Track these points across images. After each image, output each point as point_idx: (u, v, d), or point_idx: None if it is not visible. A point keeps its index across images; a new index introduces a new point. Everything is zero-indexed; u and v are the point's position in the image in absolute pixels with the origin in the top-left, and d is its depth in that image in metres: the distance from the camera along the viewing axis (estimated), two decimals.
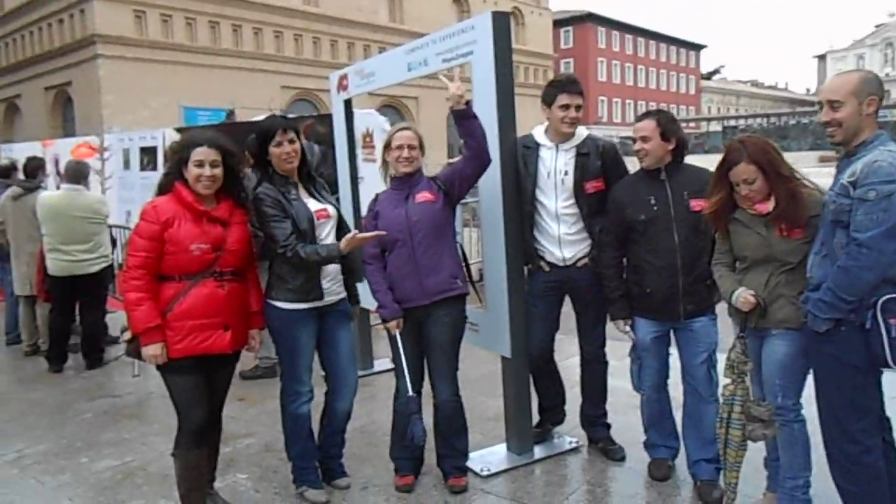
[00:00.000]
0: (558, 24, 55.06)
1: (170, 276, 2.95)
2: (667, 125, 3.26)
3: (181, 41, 29.40)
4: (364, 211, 5.55)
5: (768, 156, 2.81)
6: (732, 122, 48.57)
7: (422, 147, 3.44)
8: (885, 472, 2.60)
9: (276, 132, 3.22)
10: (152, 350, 2.91)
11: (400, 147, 3.35)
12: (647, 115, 3.34)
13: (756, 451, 3.11)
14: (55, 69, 29.78)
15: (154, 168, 9.75)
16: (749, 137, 2.98)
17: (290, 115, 3.36)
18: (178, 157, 3.01)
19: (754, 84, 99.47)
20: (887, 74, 71.10)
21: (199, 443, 3.08)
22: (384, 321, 3.36)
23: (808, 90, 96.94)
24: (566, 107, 3.52)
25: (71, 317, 6.15)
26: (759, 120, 45.98)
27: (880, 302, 2.42)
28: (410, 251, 3.31)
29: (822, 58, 79.74)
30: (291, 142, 3.25)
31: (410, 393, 3.35)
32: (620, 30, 63.10)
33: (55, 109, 31.08)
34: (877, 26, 76.72)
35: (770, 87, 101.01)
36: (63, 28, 28.96)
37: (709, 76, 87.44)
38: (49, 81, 30.51)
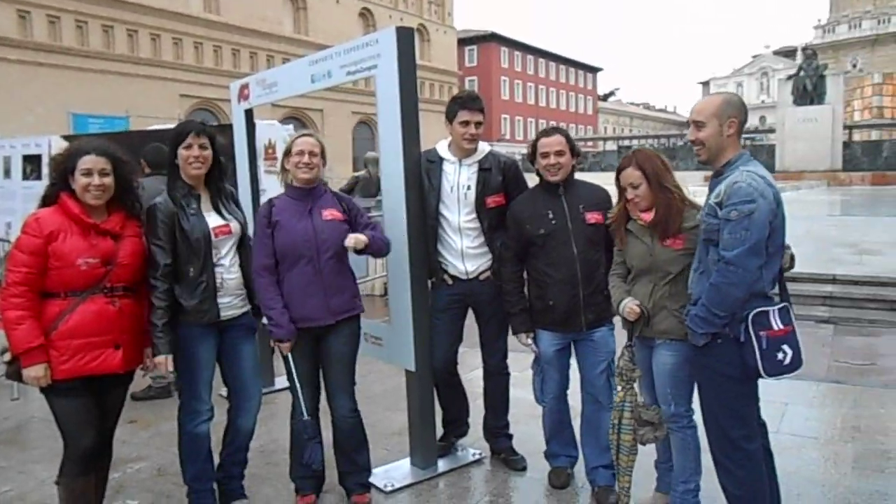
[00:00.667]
0: (463, 42, 56.10)
1: (54, 293, 2.78)
2: (572, 140, 3.42)
3: (71, 44, 27.88)
4: None
5: (654, 165, 3.00)
6: (626, 142, 50.83)
7: (323, 155, 3.34)
8: (765, 475, 2.77)
9: (188, 133, 3.11)
10: (34, 372, 2.72)
11: (300, 153, 3.26)
12: (555, 130, 3.45)
13: (646, 455, 3.25)
14: None
15: (38, 177, 9.14)
16: (641, 149, 3.21)
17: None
18: (64, 166, 2.84)
19: (646, 107, 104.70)
20: (763, 101, 76.56)
21: (87, 469, 2.89)
22: (278, 341, 3.24)
23: None
24: (466, 123, 3.57)
25: None
26: (650, 140, 48.40)
27: (751, 316, 2.58)
28: (317, 269, 3.22)
29: (706, 84, 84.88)
30: (203, 147, 3.14)
31: (306, 417, 3.29)
32: (523, 51, 65.02)
33: None
34: (753, 56, 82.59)
35: (661, 110, 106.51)
36: None
37: (605, 98, 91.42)
38: None
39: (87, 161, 2.82)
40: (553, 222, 3.34)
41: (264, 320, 3.35)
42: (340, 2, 40.23)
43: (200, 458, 3.28)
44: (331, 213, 3.29)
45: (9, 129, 21.46)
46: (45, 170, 8.89)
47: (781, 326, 2.59)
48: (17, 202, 9.56)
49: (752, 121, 70.80)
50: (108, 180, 2.86)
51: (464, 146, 3.62)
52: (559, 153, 3.34)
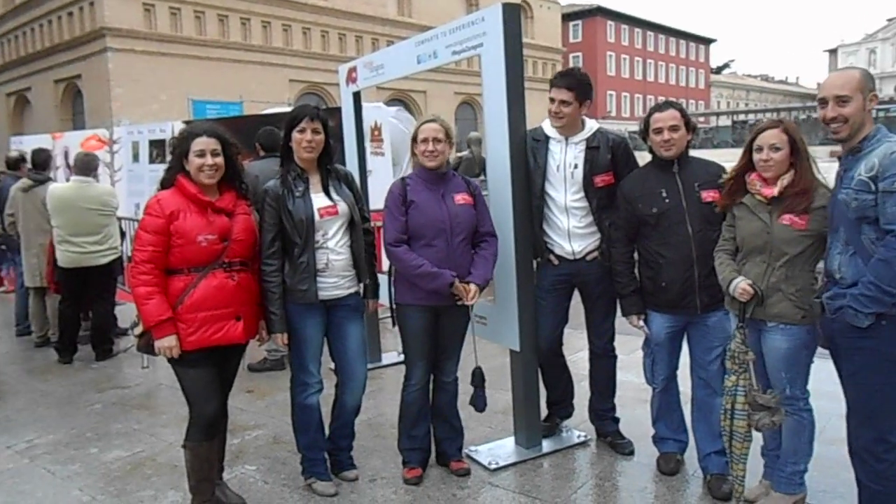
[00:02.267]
0: (567, 17, 54.77)
1: (178, 269, 2.95)
2: (687, 115, 3.28)
3: (190, 34, 29.37)
4: (374, 203, 5.58)
5: (800, 136, 2.87)
6: (742, 117, 48.21)
7: (450, 138, 3.38)
8: None
9: (303, 118, 3.23)
10: (167, 342, 2.90)
11: (425, 140, 3.33)
12: (669, 105, 3.32)
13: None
14: (65, 62, 29.81)
15: (163, 161, 9.74)
16: (787, 119, 3.10)
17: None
18: (179, 149, 3.02)
19: (765, 78, 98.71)
20: None
21: (211, 435, 3.09)
22: (450, 286, 3.24)
23: (819, 85, 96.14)
24: (552, 101, 3.51)
25: (80, 308, 6.18)
26: (769, 115, 45.66)
27: None
28: (449, 247, 3.30)
29: (833, 52, 79.07)
30: (315, 132, 3.25)
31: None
32: (629, 23, 62.75)
33: (65, 102, 31.14)
34: (889, 20, 75.94)
35: (780, 82, 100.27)
36: (73, 21, 28.98)
37: (718, 70, 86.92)
38: (58, 74, 30.55)
39: (199, 143, 2.98)
40: (667, 200, 3.22)
41: (381, 300, 3.42)
42: None
43: (311, 428, 3.42)
44: (462, 198, 3.37)
45: (136, 116, 23.07)
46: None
47: None
48: (144, 184, 10.27)
49: (888, 90, 65.43)
50: (220, 160, 3.01)
51: (553, 124, 3.56)
52: (673, 128, 3.21)
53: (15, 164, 7.40)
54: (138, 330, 3.03)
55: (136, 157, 10.96)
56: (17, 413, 4.71)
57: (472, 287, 3.29)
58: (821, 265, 2.84)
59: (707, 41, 75.13)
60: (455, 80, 38.00)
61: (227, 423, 3.37)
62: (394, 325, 3.51)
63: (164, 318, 2.89)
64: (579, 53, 56.74)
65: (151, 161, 10.48)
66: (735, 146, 32.66)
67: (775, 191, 2.85)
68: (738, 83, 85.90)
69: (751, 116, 46.40)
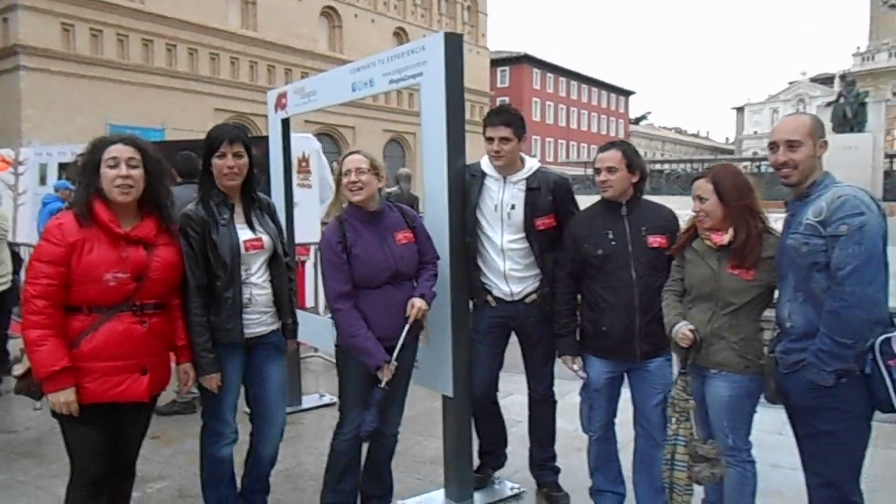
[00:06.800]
0: (496, 63, 56.26)
1: (77, 308, 2.51)
2: (632, 157, 3.16)
3: (111, 57, 28.41)
4: (300, 237, 5.27)
5: (735, 182, 2.78)
6: (658, 166, 50.22)
7: (376, 171, 3.13)
8: None
9: (222, 142, 2.92)
10: (63, 397, 2.45)
11: (348, 172, 3.08)
12: (612, 145, 3.23)
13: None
14: None
15: (73, 184, 9.20)
16: (726, 163, 3.02)
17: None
18: (90, 158, 2.57)
19: (678, 131, 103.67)
20: None
21: (97, 494, 2.63)
22: (377, 368, 2.98)
23: (727, 139, 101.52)
24: (490, 139, 3.37)
25: None
26: (682, 165, 47.71)
27: (877, 344, 2.34)
28: (396, 291, 3.08)
29: (740, 110, 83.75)
30: (237, 156, 2.94)
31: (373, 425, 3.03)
32: (555, 72, 64.93)
33: None
34: (790, 83, 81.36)
35: (693, 135, 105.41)
36: None
37: (637, 121, 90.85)
38: None
39: (112, 150, 2.56)
40: (612, 243, 3.11)
41: (301, 338, 3.14)
42: (375, 21, 40.61)
43: (223, 483, 3.10)
44: (404, 236, 3.15)
45: (48, 138, 21.93)
46: None
47: None
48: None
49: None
50: (137, 172, 2.58)
51: (493, 163, 3.42)
52: (610, 170, 3.12)
53: None
54: (19, 369, 2.58)
55: (42, 181, 10.34)
56: None
57: (417, 301, 3.06)
58: (769, 313, 2.78)
59: (627, 93, 78.57)
60: (384, 118, 38.19)
61: (133, 483, 2.93)
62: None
63: (59, 368, 2.44)
64: (506, 98, 58.15)
65: None
66: (651, 193, 33.80)
67: (725, 238, 2.77)
68: (654, 134, 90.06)
69: (666, 166, 48.35)
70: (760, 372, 2.75)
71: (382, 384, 2.99)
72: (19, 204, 10.34)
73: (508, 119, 3.37)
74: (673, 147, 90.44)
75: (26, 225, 9.92)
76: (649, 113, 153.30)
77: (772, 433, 3.96)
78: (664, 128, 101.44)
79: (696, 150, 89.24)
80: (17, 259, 6.00)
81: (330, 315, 3.25)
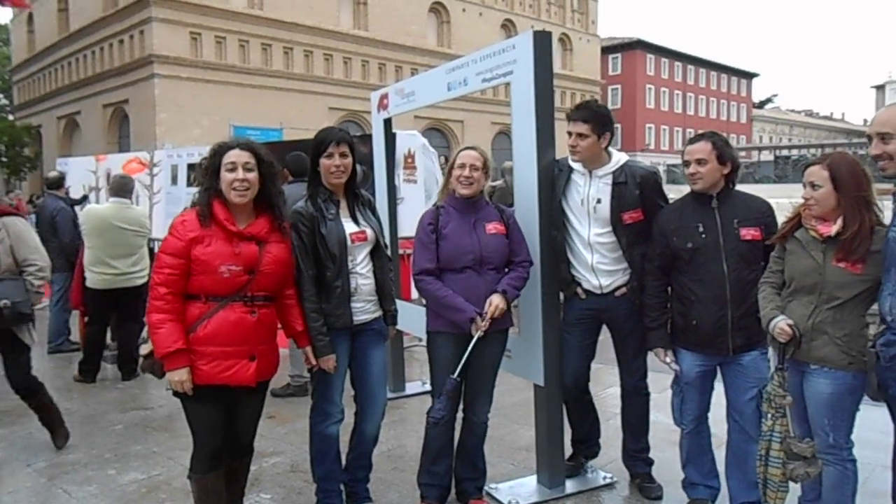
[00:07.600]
0: (607, 50, 54.81)
1: (195, 296, 2.76)
2: (722, 148, 3.12)
3: (234, 62, 30.09)
4: (404, 231, 5.50)
5: (851, 171, 2.67)
6: (785, 152, 47.33)
7: (486, 168, 3.30)
8: None
9: (329, 143, 3.15)
10: (178, 376, 2.70)
11: (462, 166, 3.26)
12: (702, 137, 3.20)
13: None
14: (113, 87, 30.74)
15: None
16: (841, 152, 2.90)
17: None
18: (211, 162, 2.83)
19: (809, 114, 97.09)
20: None
21: (215, 465, 2.93)
22: (471, 321, 3.14)
23: (865, 121, 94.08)
24: (569, 134, 3.41)
25: (106, 329, 6.22)
26: (812, 150, 44.66)
27: None
28: (479, 277, 3.21)
29: (880, 88, 77.59)
30: (343, 156, 3.17)
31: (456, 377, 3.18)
32: (670, 57, 62.49)
33: (112, 126, 32.06)
34: None
35: (825, 118, 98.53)
36: (123, 48, 29.93)
37: (761, 105, 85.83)
38: (107, 99, 31.51)
39: (231, 155, 2.79)
40: (703, 236, 3.08)
41: (400, 326, 3.31)
42: (483, 14, 40.64)
43: (329, 458, 3.33)
44: (494, 227, 3.28)
45: (179, 140, 23.56)
46: None
47: None
48: (181, 207, 10.40)
49: None
50: (253, 175, 2.80)
51: (572, 158, 3.46)
52: (700, 161, 3.10)
53: (55, 183, 7.56)
54: (145, 349, 2.88)
55: (174, 180, 11.15)
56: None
57: (495, 298, 3.16)
58: (875, 307, 2.68)
59: (750, 75, 74.37)
60: (492, 111, 38.18)
61: (251, 460, 3.21)
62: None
63: (175, 349, 2.68)
64: (618, 86, 56.69)
65: (189, 184, 10.64)
66: (777, 182, 32.02)
67: (833, 229, 2.67)
68: (780, 118, 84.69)
69: (794, 152, 45.50)
70: (864, 368, 2.65)
71: (475, 337, 3.13)
72: (154, 202, 11.22)
73: (587, 115, 3.39)
74: (802, 131, 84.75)
75: (160, 222, 10.77)
76: (775, 95, 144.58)
77: (887, 433, 3.77)
78: (792, 111, 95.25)
79: (828, 133, 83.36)
80: (152, 254, 6.62)
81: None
